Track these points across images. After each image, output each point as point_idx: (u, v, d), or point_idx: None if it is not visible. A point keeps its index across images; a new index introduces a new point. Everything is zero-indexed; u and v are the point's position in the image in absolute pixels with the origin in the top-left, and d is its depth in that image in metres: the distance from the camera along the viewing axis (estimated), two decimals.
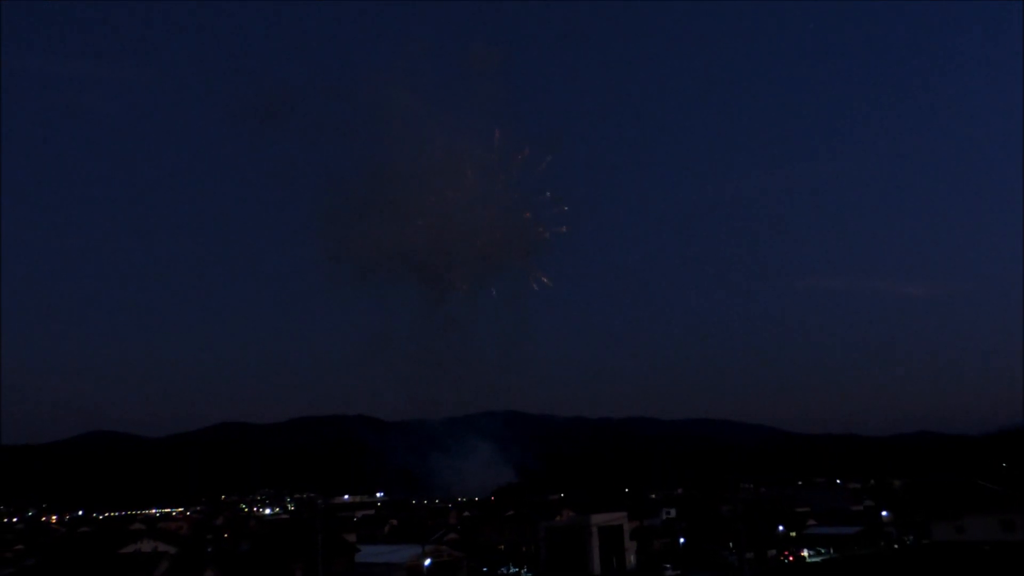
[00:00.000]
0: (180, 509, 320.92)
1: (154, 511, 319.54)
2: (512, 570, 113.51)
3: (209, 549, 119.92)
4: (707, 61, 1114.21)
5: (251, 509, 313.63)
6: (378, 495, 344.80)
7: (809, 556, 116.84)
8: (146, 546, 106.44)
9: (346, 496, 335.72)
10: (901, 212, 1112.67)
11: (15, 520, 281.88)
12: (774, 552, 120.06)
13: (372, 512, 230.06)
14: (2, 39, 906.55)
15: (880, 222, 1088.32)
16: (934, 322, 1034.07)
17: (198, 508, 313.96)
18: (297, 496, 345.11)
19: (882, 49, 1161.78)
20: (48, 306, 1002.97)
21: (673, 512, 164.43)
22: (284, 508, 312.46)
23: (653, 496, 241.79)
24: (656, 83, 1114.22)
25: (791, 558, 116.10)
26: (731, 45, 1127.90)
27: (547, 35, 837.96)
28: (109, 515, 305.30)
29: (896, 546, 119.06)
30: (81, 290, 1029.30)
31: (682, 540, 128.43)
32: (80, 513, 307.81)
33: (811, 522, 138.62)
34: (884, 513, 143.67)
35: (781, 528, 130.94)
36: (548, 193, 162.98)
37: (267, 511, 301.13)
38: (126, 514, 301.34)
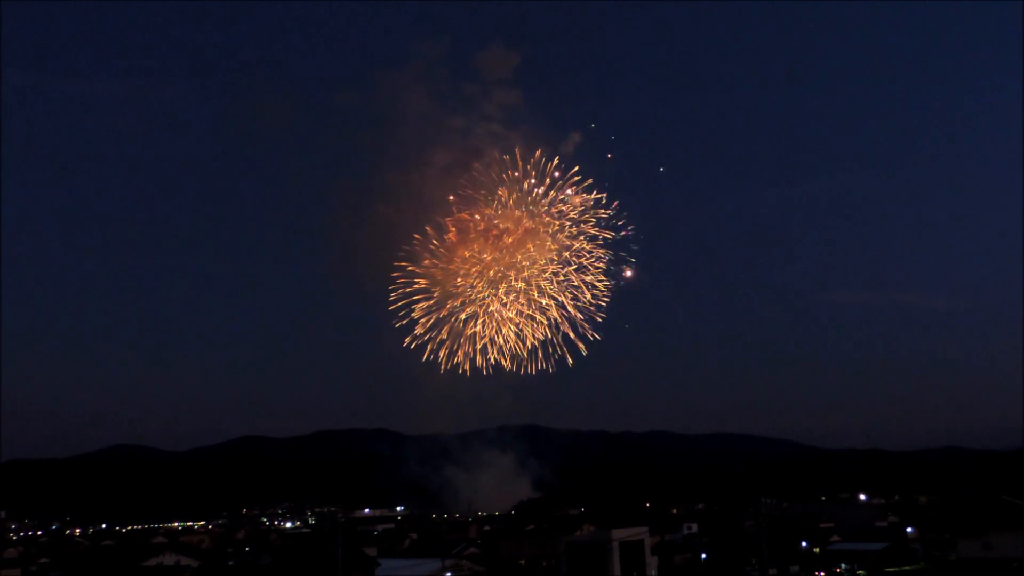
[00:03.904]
0: (202, 522, 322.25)
1: (176, 524, 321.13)
2: None
3: (231, 562, 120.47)
4: (732, 70, 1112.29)
5: (272, 523, 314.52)
6: (398, 509, 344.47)
7: (842, 571, 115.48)
8: (168, 559, 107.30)
9: (366, 510, 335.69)
10: (927, 225, 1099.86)
11: (39, 533, 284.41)
12: (797, 568, 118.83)
13: (392, 526, 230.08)
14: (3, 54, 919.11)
15: (906, 235, 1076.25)
16: (960, 336, 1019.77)
17: (220, 521, 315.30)
18: (318, 510, 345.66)
19: (911, 59, 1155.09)
20: (70, 321, 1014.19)
21: (695, 527, 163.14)
22: (305, 522, 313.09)
23: (674, 511, 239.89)
24: (680, 93, 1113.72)
25: (822, 574, 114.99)
26: (759, 55, 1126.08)
27: (568, 38, 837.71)
28: (132, 528, 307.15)
29: (923, 563, 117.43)
30: (102, 305, 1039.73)
31: (704, 556, 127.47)
32: (103, 526, 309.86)
33: (835, 538, 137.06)
34: (909, 529, 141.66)
35: (804, 544, 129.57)
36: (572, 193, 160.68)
37: (288, 525, 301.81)
38: (148, 527, 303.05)
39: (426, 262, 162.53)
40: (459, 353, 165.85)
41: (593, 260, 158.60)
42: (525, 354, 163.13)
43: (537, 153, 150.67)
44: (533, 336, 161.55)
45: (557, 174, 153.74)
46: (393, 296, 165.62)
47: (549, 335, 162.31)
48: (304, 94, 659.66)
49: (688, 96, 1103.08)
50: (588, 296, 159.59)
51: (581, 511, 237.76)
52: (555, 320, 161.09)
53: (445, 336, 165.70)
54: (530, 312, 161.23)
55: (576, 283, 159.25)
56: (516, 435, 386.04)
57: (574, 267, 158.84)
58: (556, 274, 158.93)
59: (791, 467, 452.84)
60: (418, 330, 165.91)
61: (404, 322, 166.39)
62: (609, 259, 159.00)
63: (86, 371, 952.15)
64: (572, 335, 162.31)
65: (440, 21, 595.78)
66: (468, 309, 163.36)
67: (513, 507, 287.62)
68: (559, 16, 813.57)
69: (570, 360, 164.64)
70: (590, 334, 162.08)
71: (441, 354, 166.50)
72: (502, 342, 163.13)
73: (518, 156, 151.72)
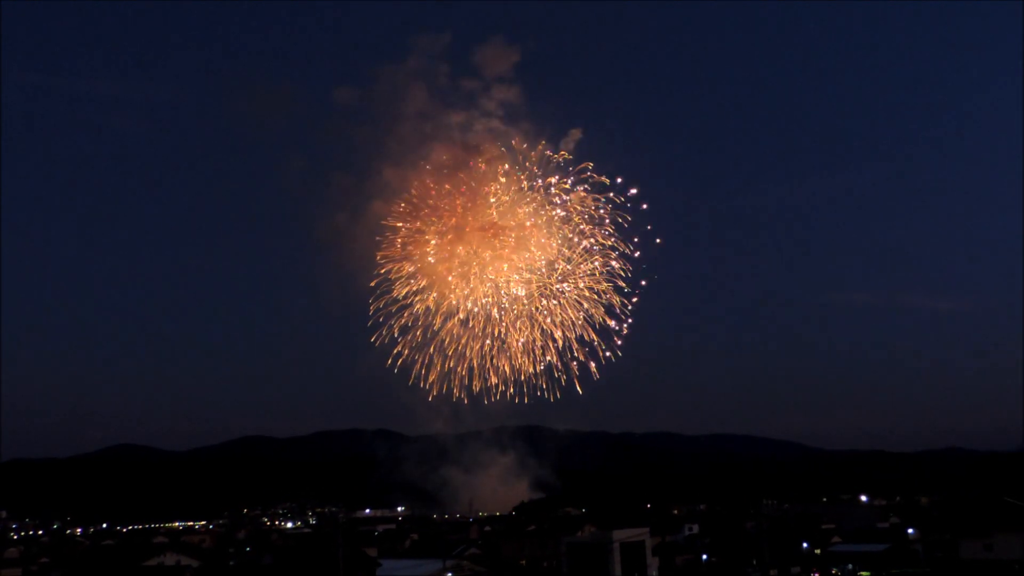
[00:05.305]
0: (203, 522, 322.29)
1: (177, 524, 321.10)
2: None
3: (231, 562, 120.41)
4: (734, 68, 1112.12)
5: (273, 523, 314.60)
6: (399, 509, 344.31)
7: (846, 572, 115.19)
8: (169, 559, 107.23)
9: (367, 510, 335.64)
10: (928, 226, 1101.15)
11: (40, 533, 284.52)
12: (798, 570, 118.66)
13: (393, 526, 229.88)
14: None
15: (907, 236, 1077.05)
16: (962, 337, 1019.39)
17: (220, 521, 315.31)
18: (319, 510, 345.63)
19: (911, 59, 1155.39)
20: (71, 320, 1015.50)
21: (696, 528, 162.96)
22: (306, 522, 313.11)
23: (676, 512, 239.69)
24: (681, 91, 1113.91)
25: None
26: (760, 52, 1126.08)
27: (569, 35, 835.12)
28: (133, 528, 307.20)
29: (925, 565, 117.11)
30: (104, 304, 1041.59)
31: (705, 557, 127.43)
32: (104, 526, 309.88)
33: (836, 539, 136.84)
34: (911, 531, 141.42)
35: (806, 545, 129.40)
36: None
37: (289, 525, 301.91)
38: (149, 527, 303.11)
39: (412, 267, 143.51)
40: (451, 375, 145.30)
41: (606, 265, 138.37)
42: (524, 378, 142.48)
43: (539, 147, 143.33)
44: (539, 353, 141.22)
45: (558, 171, 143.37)
46: (372, 309, 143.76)
47: (555, 359, 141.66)
48: (302, 90, 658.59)
49: (688, 95, 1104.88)
50: (601, 311, 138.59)
51: (582, 512, 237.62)
52: (566, 340, 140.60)
53: (435, 359, 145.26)
54: (534, 328, 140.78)
55: (587, 294, 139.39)
56: (516, 436, 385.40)
57: (584, 272, 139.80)
58: (563, 279, 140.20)
59: (792, 468, 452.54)
60: (402, 348, 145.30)
61: (385, 340, 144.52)
62: (626, 264, 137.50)
63: (86, 371, 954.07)
64: (582, 357, 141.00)
65: (440, 16, 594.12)
66: (454, 326, 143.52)
67: (514, 508, 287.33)
68: (560, 12, 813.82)
69: (579, 388, 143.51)
70: (603, 356, 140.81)
71: (431, 379, 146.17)
72: (494, 352, 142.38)
73: (518, 152, 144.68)
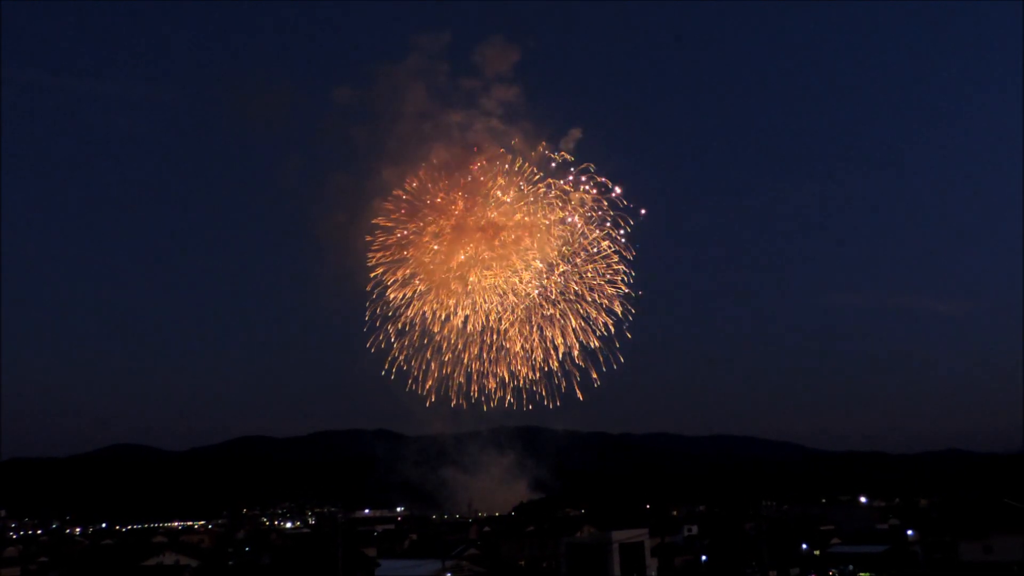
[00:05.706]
0: (202, 522, 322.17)
1: (176, 524, 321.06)
2: None
3: (230, 562, 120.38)
4: (735, 69, 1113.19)
5: (272, 522, 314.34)
6: (398, 509, 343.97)
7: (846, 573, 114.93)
8: (168, 559, 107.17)
9: (366, 510, 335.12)
10: (928, 228, 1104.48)
11: (39, 532, 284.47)
12: (797, 571, 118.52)
13: (392, 526, 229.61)
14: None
15: (907, 238, 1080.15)
16: (962, 339, 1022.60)
17: (220, 521, 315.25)
18: (318, 510, 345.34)
19: (911, 60, 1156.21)
20: (70, 321, 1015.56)
21: (695, 529, 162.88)
22: (305, 522, 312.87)
23: (675, 513, 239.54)
24: (681, 91, 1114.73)
25: None
26: (760, 53, 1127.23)
27: (570, 33, 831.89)
28: (132, 528, 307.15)
29: (924, 567, 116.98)
30: (103, 305, 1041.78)
31: (704, 557, 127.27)
32: (103, 526, 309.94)
33: (835, 540, 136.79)
34: (910, 532, 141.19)
35: (805, 546, 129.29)
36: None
37: (288, 524, 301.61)
38: (148, 527, 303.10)
39: (409, 269, 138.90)
40: (448, 380, 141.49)
41: (607, 266, 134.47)
42: (523, 383, 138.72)
43: (539, 147, 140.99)
44: (539, 359, 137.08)
45: (559, 171, 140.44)
46: (367, 314, 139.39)
47: (555, 365, 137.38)
48: (302, 90, 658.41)
49: (689, 96, 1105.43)
50: (602, 313, 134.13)
51: (581, 512, 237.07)
52: (567, 344, 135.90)
53: (432, 365, 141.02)
54: (533, 332, 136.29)
55: (588, 296, 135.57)
56: (515, 436, 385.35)
57: (584, 274, 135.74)
58: (563, 281, 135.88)
59: (792, 469, 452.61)
60: (397, 353, 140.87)
61: (382, 344, 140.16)
62: (626, 265, 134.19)
63: (86, 371, 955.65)
64: (582, 363, 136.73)
65: (440, 15, 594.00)
66: (452, 330, 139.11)
67: (513, 508, 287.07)
68: (560, 12, 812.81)
69: (580, 394, 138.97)
70: (603, 362, 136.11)
71: (428, 384, 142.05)
72: (493, 357, 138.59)
73: (518, 152, 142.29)
